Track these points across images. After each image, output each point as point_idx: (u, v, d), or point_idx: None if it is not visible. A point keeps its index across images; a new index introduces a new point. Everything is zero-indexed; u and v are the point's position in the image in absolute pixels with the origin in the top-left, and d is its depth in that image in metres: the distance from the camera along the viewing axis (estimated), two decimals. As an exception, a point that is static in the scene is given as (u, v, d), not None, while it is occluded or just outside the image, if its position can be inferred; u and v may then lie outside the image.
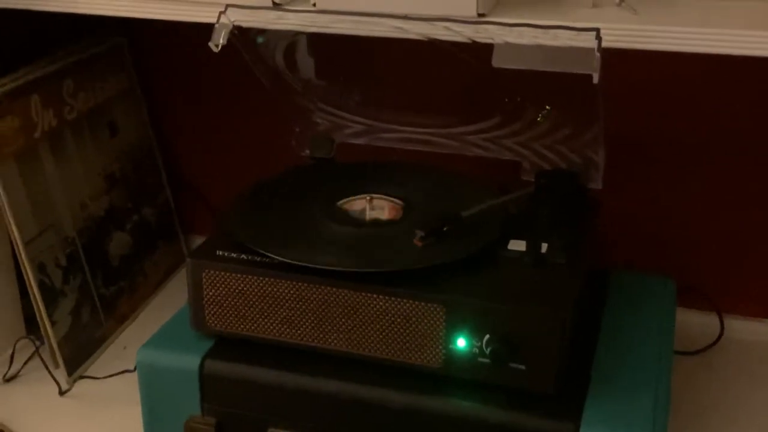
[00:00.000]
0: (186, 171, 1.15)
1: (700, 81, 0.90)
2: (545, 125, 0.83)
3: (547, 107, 0.83)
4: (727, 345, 0.95)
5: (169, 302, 1.06)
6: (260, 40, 0.82)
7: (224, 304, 0.72)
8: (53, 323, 0.90)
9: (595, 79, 0.64)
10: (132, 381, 0.90)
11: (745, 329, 0.96)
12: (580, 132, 0.82)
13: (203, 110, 1.11)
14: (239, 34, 0.75)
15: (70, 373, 0.91)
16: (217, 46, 0.73)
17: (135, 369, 0.90)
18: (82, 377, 0.92)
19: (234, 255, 0.73)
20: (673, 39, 0.65)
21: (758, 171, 0.93)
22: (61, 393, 0.90)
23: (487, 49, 0.68)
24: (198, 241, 1.17)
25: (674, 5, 0.71)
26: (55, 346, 0.90)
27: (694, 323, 0.96)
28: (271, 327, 0.72)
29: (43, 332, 0.90)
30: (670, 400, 0.72)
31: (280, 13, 0.72)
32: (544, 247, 0.73)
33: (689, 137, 0.93)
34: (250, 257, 0.72)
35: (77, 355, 0.93)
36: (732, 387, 0.89)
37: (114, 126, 1.03)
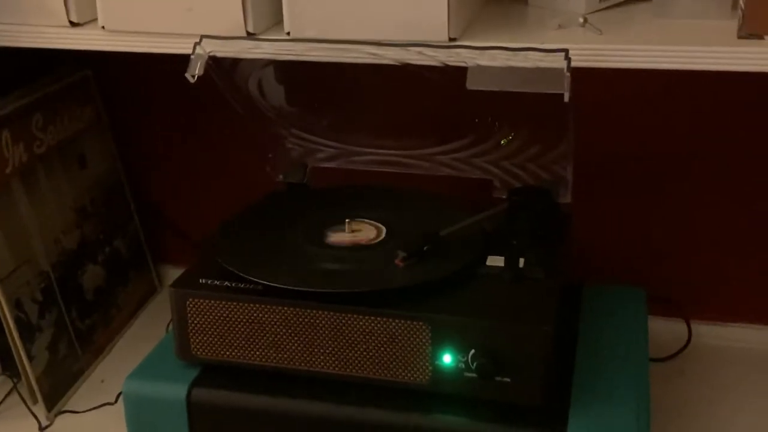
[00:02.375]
0: (156, 200, 1.15)
1: (664, 97, 0.93)
2: (516, 144, 0.85)
3: (511, 135, 0.86)
4: (696, 350, 0.97)
5: (143, 333, 1.06)
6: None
7: (209, 332, 0.73)
8: (31, 359, 0.89)
9: (566, 98, 0.66)
10: (113, 414, 0.90)
11: (711, 334, 0.99)
12: (549, 149, 0.84)
13: (171, 139, 1.11)
14: (213, 64, 0.76)
15: (49, 409, 0.90)
16: (193, 76, 0.73)
17: (115, 402, 0.91)
18: (62, 412, 0.91)
19: (217, 282, 0.73)
20: (637, 57, 0.68)
21: (718, 183, 0.96)
22: (42, 429, 0.89)
23: (457, 71, 0.70)
24: (169, 270, 1.17)
25: (632, 25, 0.73)
26: (33, 382, 0.89)
27: (662, 330, 0.98)
28: (258, 352, 0.72)
29: (20, 368, 0.89)
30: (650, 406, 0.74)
31: (255, 42, 0.74)
32: (522, 262, 0.74)
33: (652, 152, 0.96)
34: (233, 284, 0.72)
35: (55, 391, 0.92)
36: (703, 391, 0.91)
37: (83, 158, 1.03)
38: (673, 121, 0.95)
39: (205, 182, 1.12)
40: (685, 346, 0.98)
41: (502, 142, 0.86)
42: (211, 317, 0.72)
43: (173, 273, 1.15)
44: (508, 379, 0.67)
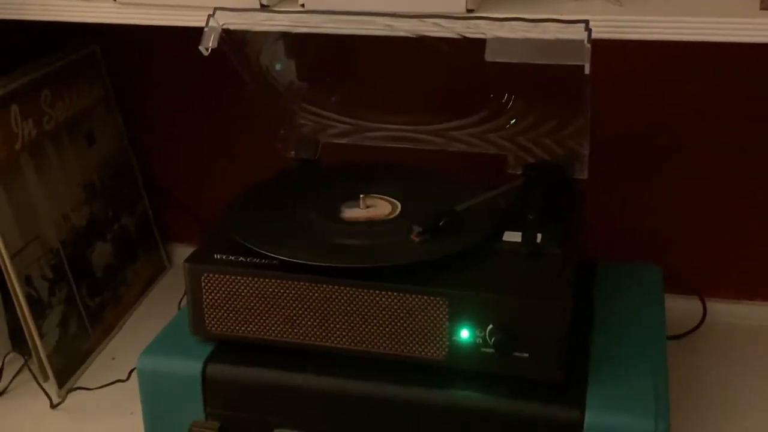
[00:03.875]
0: (164, 178, 1.15)
1: (682, 71, 0.93)
2: (531, 118, 0.85)
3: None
4: (710, 328, 0.97)
5: (152, 311, 1.06)
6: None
7: (224, 307, 0.73)
8: (42, 336, 0.89)
9: (587, 70, 0.65)
10: (125, 391, 0.90)
11: (727, 312, 0.99)
12: (565, 124, 0.83)
13: (181, 116, 1.10)
14: (226, 37, 0.75)
15: (60, 386, 0.90)
16: (207, 49, 0.73)
17: (127, 378, 0.91)
18: (73, 389, 0.91)
19: (232, 257, 0.73)
20: (658, 28, 0.67)
21: (735, 160, 0.95)
22: (53, 406, 0.89)
23: (472, 44, 0.70)
24: (178, 249, 1.17)
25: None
26: (44, 359, 0.89)
27: (677, 308, 0.98)
28: (273, 328, 0.72)
29: (31, 346, 0.89)
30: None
31: (268, 14, 0.73)
32: (539, 237, 0.74)
33: (668, 127, 0.96)
34: (248, 259, 0.72)
35: (66, 368, 0.92)
36: (718, 369, 0.91)
37: (91, 135, 1.03)
38: (691, 96, 0.94)
39: (214, 160, 1.12)
40: (700, 324, 0.98)
41: (511, 121, 0.86)
42: (225, 293, 0.72)
43: (182, 251, 1.15)
44: (525, 355, 0.67)
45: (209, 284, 0.72)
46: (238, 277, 0.71)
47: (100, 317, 1.00)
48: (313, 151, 0.92)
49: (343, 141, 0.92)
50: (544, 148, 0.87)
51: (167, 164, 1.14)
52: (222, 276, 0.72)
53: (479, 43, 0.69)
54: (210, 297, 0.73)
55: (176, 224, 1.17)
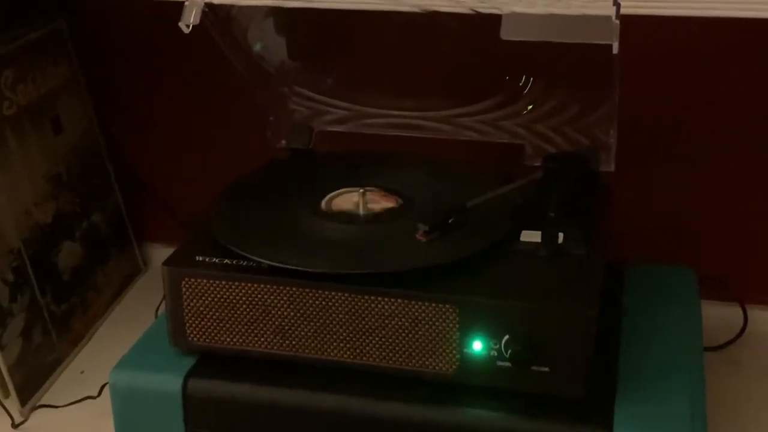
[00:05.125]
0: (139, 170, 1.15)
1: (721, 52, 0.92)
2: (552, 104, 0.85)
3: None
4: (752, 338, 0.97)
5: (126, 319, 1.06)
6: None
7: (207, 316, 0.72)
8: (2, 347, 0.89)
9: (615, 50, 0.65)
10: (96, 409, 0.90)
11: (770, 320, 0.99)
12: (590, 110, 0.83)
13: (158, 100, 1.11)
14: (209, 12, 0.75)
15: (23, 403, 0.91)
16: (188, 26, 0.73)
17: (98, 395, 0.91)
18: (38, 407, 0.92)
19: (216, 260, 0.73)
20: (700, 3, 0.67)
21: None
22: (15, 425, 0.89)
23: (486, 20, 0.69)
24: (155, 249, 1.17)
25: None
26: (5, 373, 0.89)
27: (715, 315, 0.97)
28: (262, 339, 0.72)
29: (-11, 358, 0.90)
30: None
31: (257, -14, 0.73)
32: (560, 237, 0.74)
33: (705, 114, 0.95)
34: (235, 262, 0.72)
35: (30, 383, 0.92)
36: (760, 383, 0.92)
37: (57, 122, 1.03)
38: (730, 80, 0.94)
39: (196, 150, 1.12)
40: (741, 334, 0.97)
41: (529, 107, 0.86)
42: (209, 299, 0.72)
43: (159, 252, 1.15)
44: (546, 369, 0.67)
45: (190, 290, 0.72)
46: (223, 282, 0.71)
47: (67, 326, 1.00)
48: (306, 140, 0.92)
49: (340, 129, 0.93)
50: (566, 137, 0.87)
51: (143, 154, 1.15)
52: (205, 281, 0.72)
53: (494, 20, 0.69)
54: (191, 304, 0.72)
55: (153, 222, 1.17)
